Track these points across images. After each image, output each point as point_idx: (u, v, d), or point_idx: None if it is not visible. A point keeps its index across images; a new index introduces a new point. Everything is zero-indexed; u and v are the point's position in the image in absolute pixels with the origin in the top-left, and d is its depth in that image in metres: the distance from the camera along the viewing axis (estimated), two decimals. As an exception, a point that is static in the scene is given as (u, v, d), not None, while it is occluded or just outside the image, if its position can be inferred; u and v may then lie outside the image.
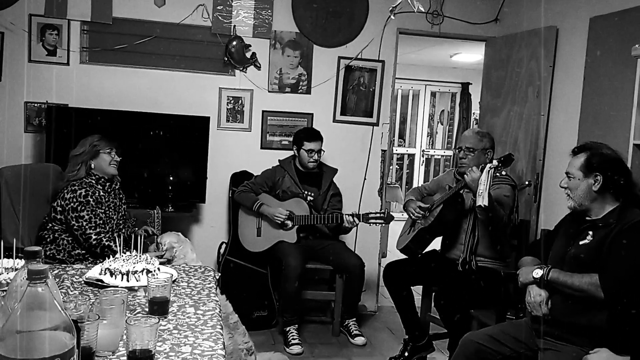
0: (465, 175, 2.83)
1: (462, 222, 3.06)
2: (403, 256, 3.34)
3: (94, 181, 2.86)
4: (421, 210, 3.19)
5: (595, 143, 2.18)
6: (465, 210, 3.05)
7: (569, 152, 2.22)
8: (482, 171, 2.71)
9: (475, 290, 2.90)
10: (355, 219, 3.47)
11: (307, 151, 3.61)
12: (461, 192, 3.00)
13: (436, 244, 3.30)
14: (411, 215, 3.25)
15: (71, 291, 2.00)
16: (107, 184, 2.92)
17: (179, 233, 3.12)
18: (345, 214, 3.50)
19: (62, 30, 3.67)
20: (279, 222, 3.55)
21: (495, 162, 2.71)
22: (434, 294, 3.22)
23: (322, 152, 3.65)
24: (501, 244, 3.05)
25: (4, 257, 1.94)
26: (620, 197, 2.09)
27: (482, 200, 2.66)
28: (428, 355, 3.25)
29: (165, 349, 1.55)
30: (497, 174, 2.76)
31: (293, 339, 3.43)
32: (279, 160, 3.76)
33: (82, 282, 2.12)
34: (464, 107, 8.03)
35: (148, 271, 2.09)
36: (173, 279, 2.10)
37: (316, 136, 3.65)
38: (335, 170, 3.78)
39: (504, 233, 3.02)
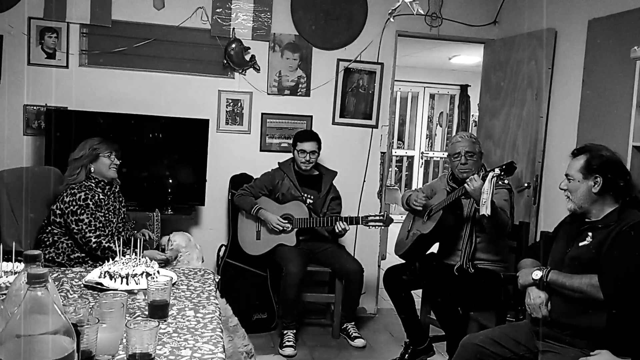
0: (466, 185, 2.78)
1: (460, 229, 3.05)
2: (402, 260, 3.33)
3: (93, 184, 2.85)
4: (423, 200, 3.18)
5: (594, 145, 2.18)
6: (463, 218, 3.04)
7: (568, 154, 2.23)
8: (483, 180, 2.67)
9: (472, 293, 2.90)
10: (347, 224, 3.45)
11: (299, 151, 3.61)
12: (461, 198, 2.98)
13: (435, 246, 3.30)
14: (413, 204, 3.20)
15: (71, 295, 2.00)
16: (107, 187, 2.92)
17: (191, 237, 3.08)
18: (338, 220, 3.48)
19: (61, 33, 3.67)
20: (277, 230, 3.55)
21: (497, 171, 2.65)
22: (431, 295, 3.21)
23: (316, 154, 3.62)
24: (501, 247, 3.05)
25: (3, 261, 1.94)
26: (620, 198, 2.10)
27: (486, 210, 2.62)
28: (428, 359, 3.24)
29: (165, 353, 1.54)
30: (500, 182, 2.73)
31: (288, 341, 3.42)
32: (279, 163, 3.76)
33: (82, 285, 2.12)
34: (463, 109, 8.05)
35: (148, 274, 2.08)
36: (173, 282, 2.10)
37: (309, 137, 3.63)
38: (334, 173, 3.78)
39: (505, 237, 3.02)
